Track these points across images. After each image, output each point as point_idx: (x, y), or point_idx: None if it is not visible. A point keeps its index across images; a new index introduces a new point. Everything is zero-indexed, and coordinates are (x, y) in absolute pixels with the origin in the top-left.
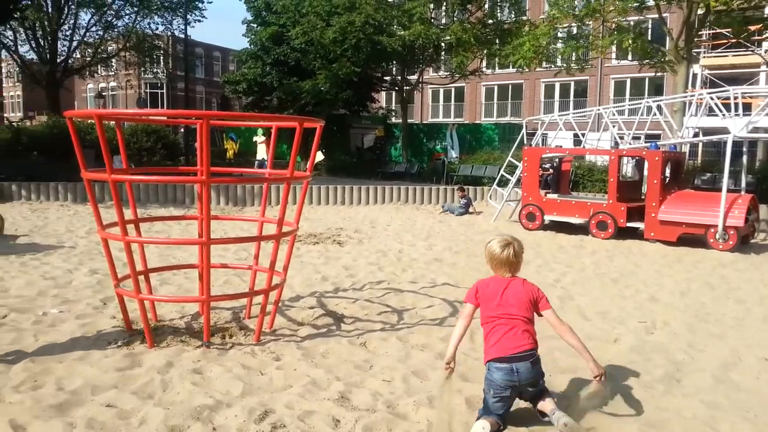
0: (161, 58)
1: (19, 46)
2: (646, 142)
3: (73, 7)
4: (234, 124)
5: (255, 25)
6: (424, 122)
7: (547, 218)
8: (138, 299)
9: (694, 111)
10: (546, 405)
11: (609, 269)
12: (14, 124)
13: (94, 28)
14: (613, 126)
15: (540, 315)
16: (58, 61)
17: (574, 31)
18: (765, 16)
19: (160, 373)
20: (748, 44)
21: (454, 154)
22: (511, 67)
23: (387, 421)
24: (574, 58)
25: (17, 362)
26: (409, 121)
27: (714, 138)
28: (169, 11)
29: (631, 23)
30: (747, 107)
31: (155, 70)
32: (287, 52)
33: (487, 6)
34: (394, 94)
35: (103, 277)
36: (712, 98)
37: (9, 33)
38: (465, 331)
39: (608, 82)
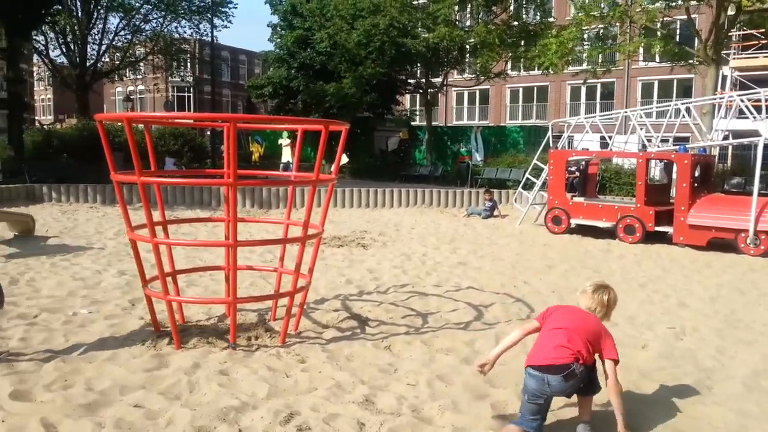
0: (188, 61)
1: (50, 51)
2: (674, 145)
3: (102, 11)
4: (260, 127)
5: (281, 29)
6: (448, 125)
7: (573, 222)
8: (166, 300)
9: (724, 113)
10: (583, 413)
11: (637, 274)
12: (45, 126)
13: (122, 32)
14: (641, 128)
15: (601, 359)
16: (88, 65)
17: (601, 32)
18: None
19: (187, 374)
20: None
21: (478, 156)
22: (536, 69)
23: (412, 425)
24: (600, 60)
25: (48, 361)
26: (433, 123)
27: (744, 141)
28: (196, 15)
29: (659, 24)
30: None
31: (182, 73)
32: (312, 56)
33: (512, 8)
34: (418, 96)
35: (131, 278)
36: (742, 100)
37: (41, 38)
38: (515, 342)
39: (635, 84)
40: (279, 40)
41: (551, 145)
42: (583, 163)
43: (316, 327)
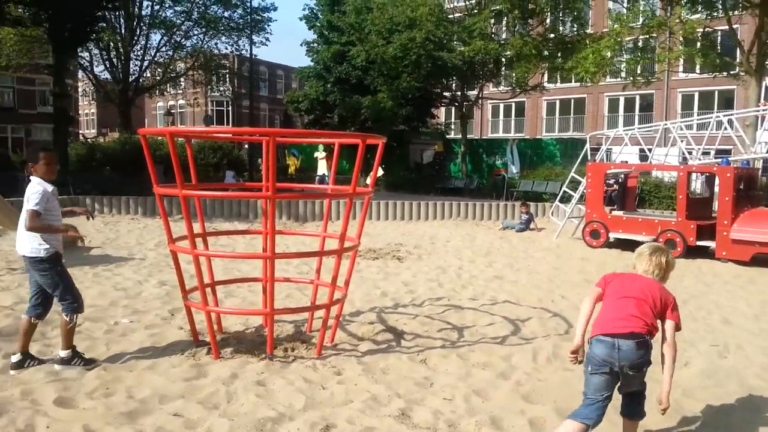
0: (227, 76)
1: (94, 66)
2: (716, 158)
3: (144, 28)
4: (299, 141)
5: (317, 44)
6: (484, 137)
7: (612, 236)
8: (205, 311)
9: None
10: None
11: (678, 290)
12: (89, 140)
13: (164, 49)
14: (682, 141)
15: (662, 321)
16: (130, 80)
17: (640, 43)
18: None
19: (225, 384)
20: None
21: (514, 169)
22: (573, 80)
23: None
24: (639, 71)
25: (90, 370)
26: (468, 136)
27: None
28: (236, 32)
29: (699, 34)
30: None
31: (221, 88)
32: (349, 70)
33: (548, 20)
34: (453, 109)
35: (170, 289)
36: None
37: (86, 54)
38: (591, 313)
39: (675, 96)
40: (315, 55)
41: (589, 157)
42: (622, 176)
43: (351, 339)
